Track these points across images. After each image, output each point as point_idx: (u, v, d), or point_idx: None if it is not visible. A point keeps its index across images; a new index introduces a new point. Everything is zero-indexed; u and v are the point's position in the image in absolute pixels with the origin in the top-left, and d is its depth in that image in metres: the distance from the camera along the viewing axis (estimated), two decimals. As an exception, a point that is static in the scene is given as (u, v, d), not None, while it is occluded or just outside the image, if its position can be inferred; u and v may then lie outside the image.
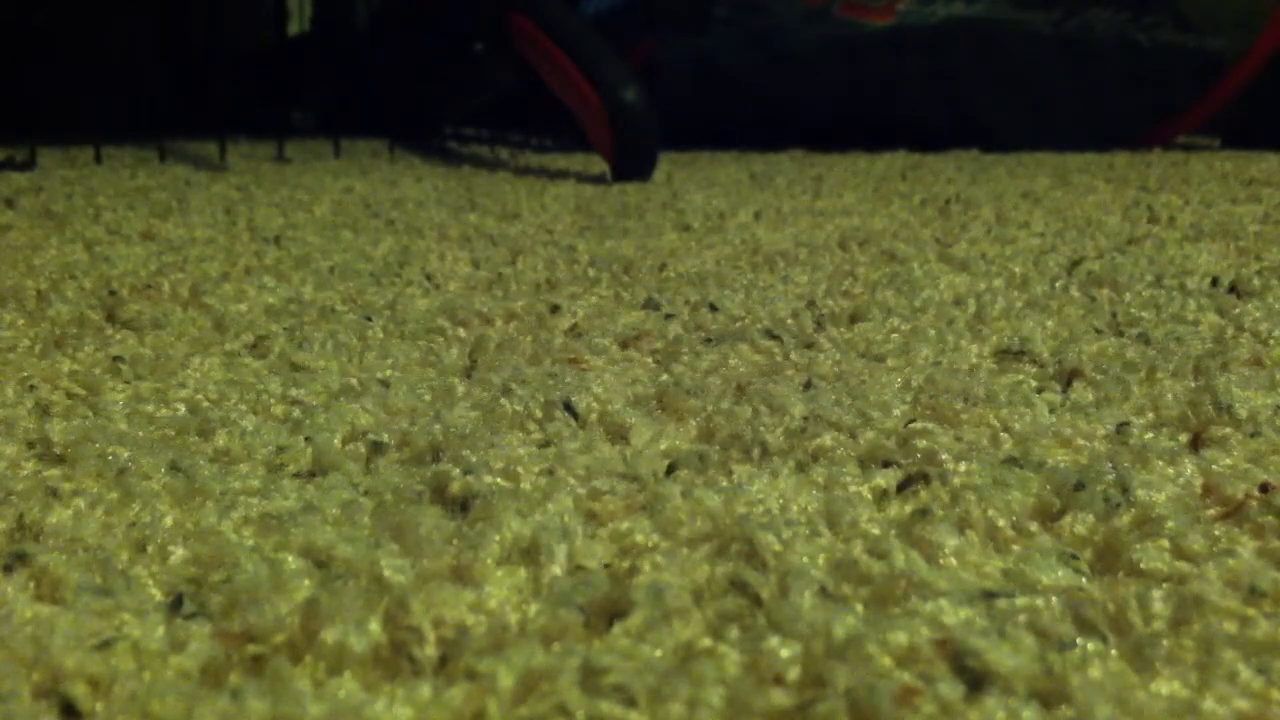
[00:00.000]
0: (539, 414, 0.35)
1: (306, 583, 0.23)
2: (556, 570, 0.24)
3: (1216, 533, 0.25)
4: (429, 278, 0.60)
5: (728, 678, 0.19)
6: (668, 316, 0.50)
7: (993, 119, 1.61)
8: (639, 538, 0.26)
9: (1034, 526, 0.26)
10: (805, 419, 0.34)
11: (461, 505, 0.27)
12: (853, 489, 0.29)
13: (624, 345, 0.45)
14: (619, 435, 0.34)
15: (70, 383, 0.39)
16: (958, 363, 0.42)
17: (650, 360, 0.43)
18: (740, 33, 1.58)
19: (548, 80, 1.23)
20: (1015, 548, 0.26)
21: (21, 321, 0.48)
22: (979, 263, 0.63)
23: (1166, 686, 0.19)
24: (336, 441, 0.33)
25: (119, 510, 0.27)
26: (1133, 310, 0.51)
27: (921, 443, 0.32)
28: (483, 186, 1.09)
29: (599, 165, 1.20)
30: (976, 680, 0.19)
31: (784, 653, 0.20)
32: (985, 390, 0.37)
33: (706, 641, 0.21)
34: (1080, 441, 0.33)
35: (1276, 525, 0.26)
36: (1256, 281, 0.56)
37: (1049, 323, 0.49)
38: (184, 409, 0.36)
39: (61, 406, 0.36)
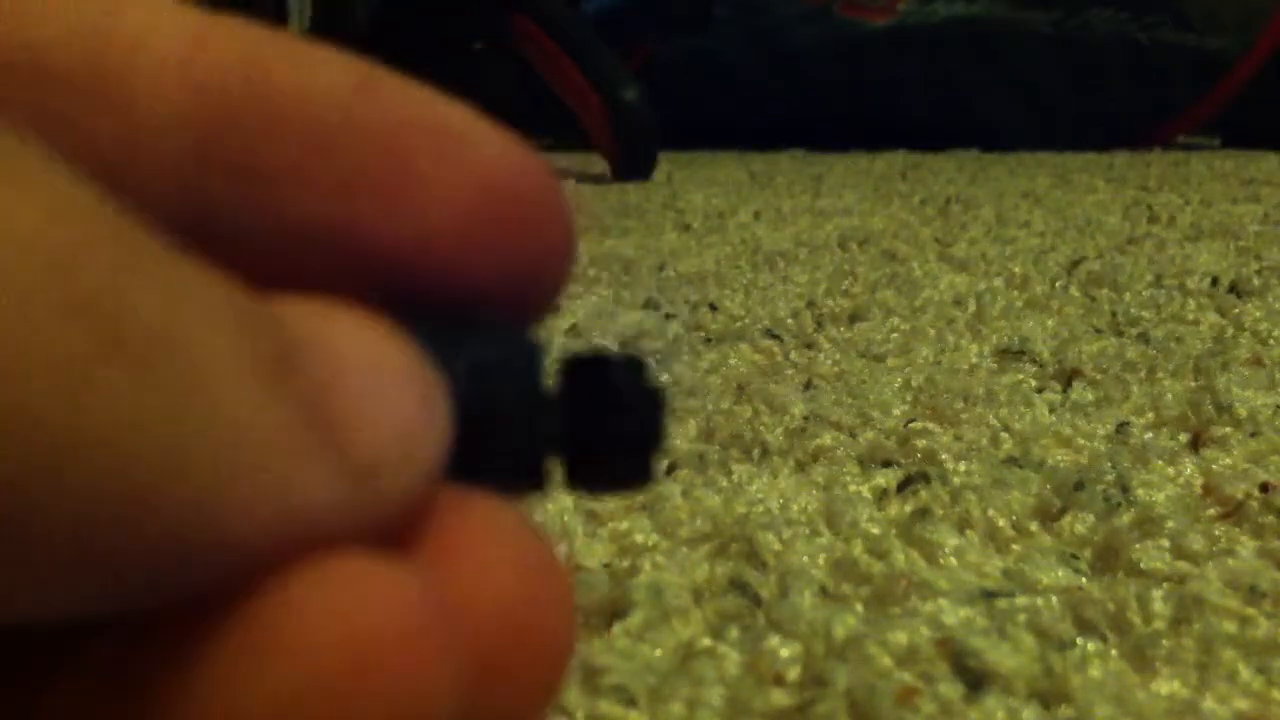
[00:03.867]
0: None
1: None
2: (556, 570, 0.24)
3: (1216, 533, 0.25)
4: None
5: (728, 678, 0.19)
6: (668, 316, 0.50)
7: (993, 119, 1.61)
8: (639, 537, 0.26)
9: (1034, 526, 0.26)
10: (805, 419, 0.34)
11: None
12: (853, 489, 0.29)
13: (624, 345, 0.45)
14: (619, 435, 0.34)
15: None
16: (958, 362, 0.42)
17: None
18: (740, 32, 1.58)
19: (548, 80, 1.23)
20: (1015, 547, 0.26)
21: None
22: (979, 263, 0.63)
23: (1166, 686, 0.20)
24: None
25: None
26: (1133, 310, 0.51)
27: (921, 443, 0.32)
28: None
29: (599, 165, 1.20)
30: (976, 680, 0.19)
31: (784, 652, 0.20)
32: (985, 390, 0.37)
33: (706, 641, 0.21)
34: (1080, 441, 0.33)
35: (1276, 525, 0.26)
36: (1256, 281, 0.56)
37: (1049, 322, 0.49)
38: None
39: None
